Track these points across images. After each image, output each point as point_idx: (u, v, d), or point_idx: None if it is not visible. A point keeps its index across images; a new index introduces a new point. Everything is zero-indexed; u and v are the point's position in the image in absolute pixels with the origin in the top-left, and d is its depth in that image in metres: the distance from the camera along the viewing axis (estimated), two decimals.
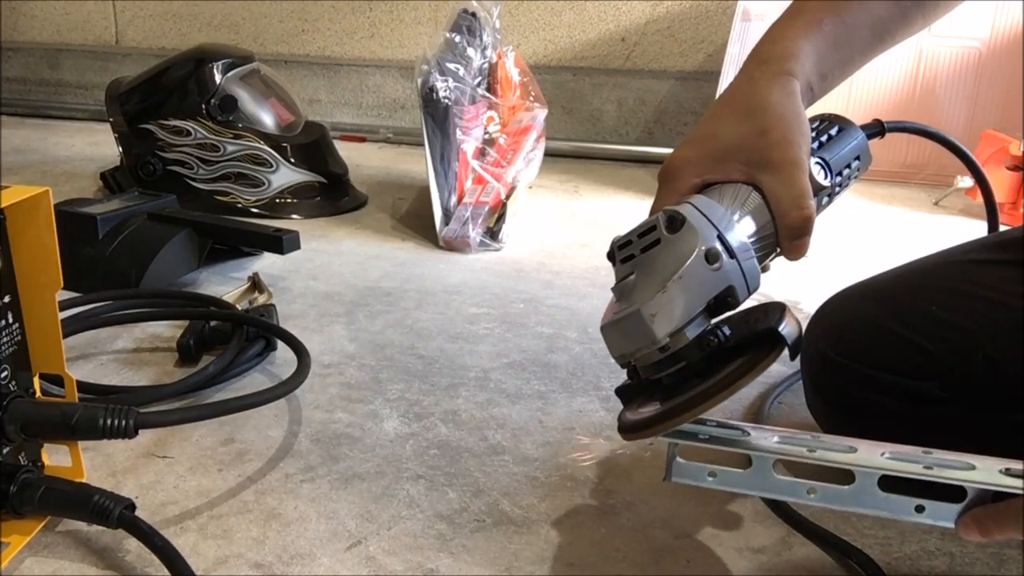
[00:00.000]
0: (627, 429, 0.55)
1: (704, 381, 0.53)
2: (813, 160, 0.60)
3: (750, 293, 0.55)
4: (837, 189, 0.63)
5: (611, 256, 0.56)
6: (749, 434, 0.54)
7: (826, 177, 0.61)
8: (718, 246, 0.52)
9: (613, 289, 0.56)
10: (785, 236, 0.56)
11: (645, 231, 0.55)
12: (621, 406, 0.59)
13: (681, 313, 0.52)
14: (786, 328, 0.52)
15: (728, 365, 0.53)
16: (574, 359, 0.93)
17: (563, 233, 1.41)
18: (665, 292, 0.51)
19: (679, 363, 0.53)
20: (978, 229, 0.80)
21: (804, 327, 0.72)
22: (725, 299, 0.53)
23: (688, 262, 0.51)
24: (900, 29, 0.66)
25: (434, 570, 0.59)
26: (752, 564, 0.61)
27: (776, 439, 0.54)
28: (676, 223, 0.53)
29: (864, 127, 0.67)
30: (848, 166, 0.64)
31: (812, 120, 0.65)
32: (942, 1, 0.68)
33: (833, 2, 0.63)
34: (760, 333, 0.52)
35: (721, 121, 0.60)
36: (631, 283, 0.54)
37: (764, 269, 0.59)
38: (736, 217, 0.55)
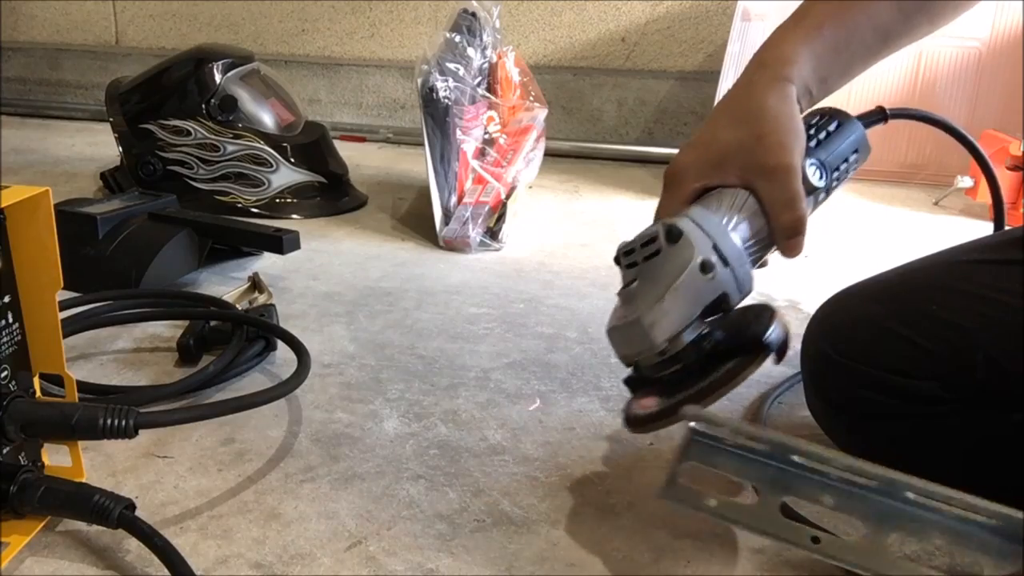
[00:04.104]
0: (631, 423, 0.60)
1: (701, 379, 0.57)
2: (808, 161, 0.63)
3: (743, 297, 0.59)
4: (834, 183, 0.65)
5: (617, 260, 0.61)
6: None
7: (821, 178, 0.64)
8: (713, 258, 0.57)
9: (618, 294, 0.60)
10: (780, 236, 0.60)
11: (647, 241, 0.59)
12: (621, 407, 0.62)
13: (677, 321, 0.56)
14: (772, 336, 0.56)
15: (723, 364, 0.57)
16: (574, 359, 0.93)
17: (563, 233, 1.41)
18: (663, 302, 0.56)
19: (676, 364, 0.57)
20: (978, 229, 0.80)
21: (805, 327, 0.73)
22: (719, 304, 0.57)
23: (684, 274, 0.56)
24: (904, 33, 0.67)
25: (434, 570, 0.59)
26: (752, 564, 0.61)
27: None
28: (674, 235, 0.57)
29: (866, 115, 0.68)
30: (845, 160, 0.66)
31: (811, 115, 0.67)
32: (949, 4, 0.68)
33: (835, 7, 0.64)
34: (748, 339, 0.57)
35: (720, 126, 0.63)
36: (633, 291, 0.58)
37: (763, 264, 0.63)
38: (733, 223, 0.59)
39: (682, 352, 0.57)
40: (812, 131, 0.65)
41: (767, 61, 0.63)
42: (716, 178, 0.61)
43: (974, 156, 0.78)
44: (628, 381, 0.63)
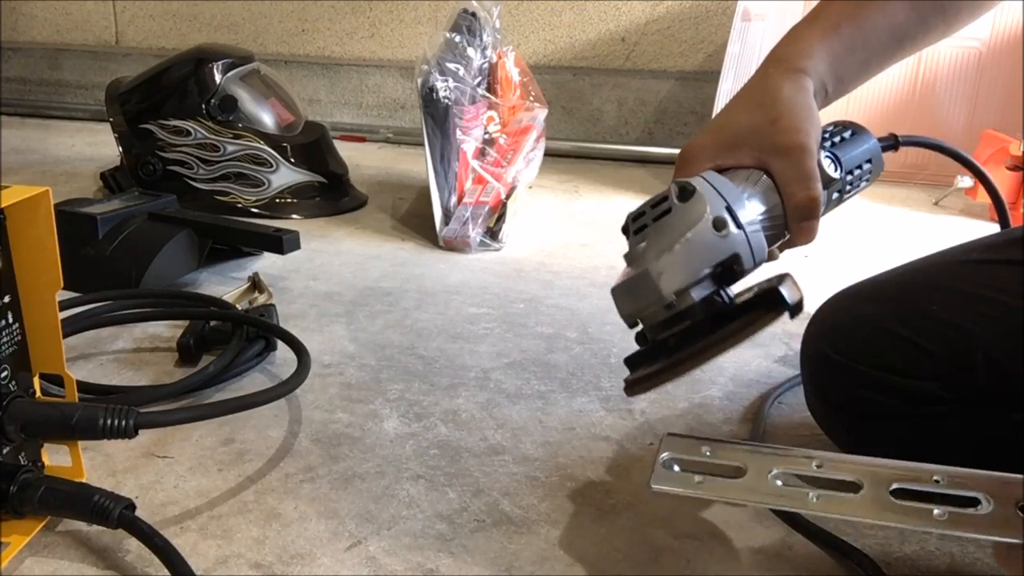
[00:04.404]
0: (629, 384, 0.58)
1: (710, 335, 0.55)
2: (824, 153, 0.63)
3: (756, 265, 0.57)
4: (847, 187, 0.65)
5: (625, 229, 0.59)
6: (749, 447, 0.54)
7: (836, 170, 0.63)
8: (726, 215, 0.55)
9: (625, 257, 0.58)
10: (793, 217, 0.59)
11: (658, 202, 0.57)
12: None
13: (687, 273, 0.54)
14: (787, 290, 0.54)
15: (733, 322, 0.55)
16: (574, 359, 0.93)
17: (563, 233, 1.41)
18: (672, 253, 0.54)
19: (684, 322, 0.55)
20: (978, 229, 0.80)
21: (804, 327, 0.73)
22: (731, 267, 0.55)
23: (696, 227, 0.54)
24: (920, 35, 0.67)
25: (434, 570, 0.59)
26: (752, 564, 0.61)
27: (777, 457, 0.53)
28: (687, 193, 0.56)
29: (879, 139, 0.68)
30: (859, 167, 0.66)
31: (828, 125, 0.67)
32: (965, 7, 0.68)
33: (852, 7, 0.64)
34: (762, 295, 0.55)
35: (735, 112, 0.63)
36: (641, 249, 0.56)
37: (772, 256, 0.61)
38: (746, 195, 0.58)
39: (689, 309, 0.54)
40: (828, 134, 0.65)
41: (783, 56, 0.63)
42: (730, 159, 0.60)
43: (984, 185, 0.79)
44: (628, 360, 0.61)
